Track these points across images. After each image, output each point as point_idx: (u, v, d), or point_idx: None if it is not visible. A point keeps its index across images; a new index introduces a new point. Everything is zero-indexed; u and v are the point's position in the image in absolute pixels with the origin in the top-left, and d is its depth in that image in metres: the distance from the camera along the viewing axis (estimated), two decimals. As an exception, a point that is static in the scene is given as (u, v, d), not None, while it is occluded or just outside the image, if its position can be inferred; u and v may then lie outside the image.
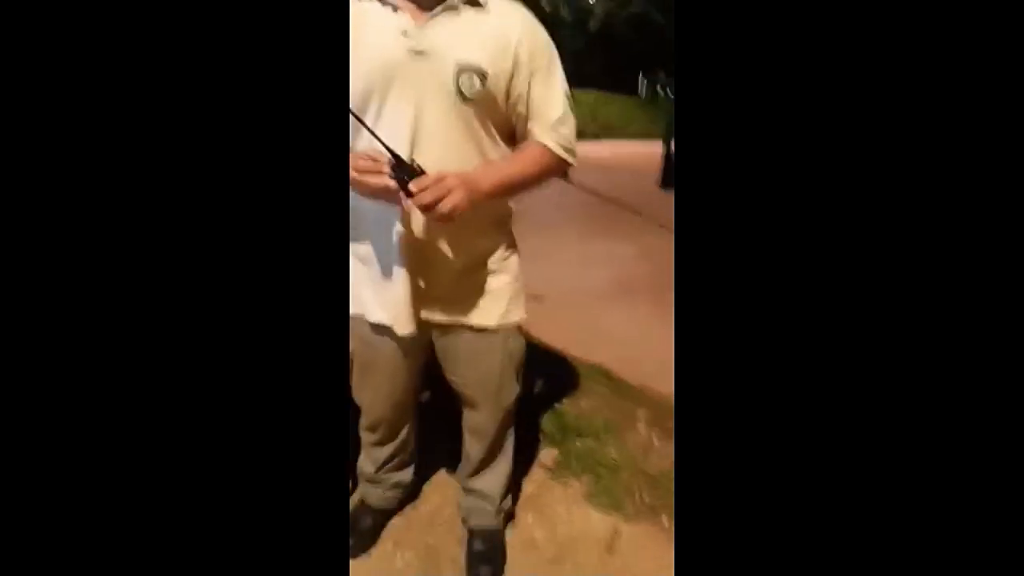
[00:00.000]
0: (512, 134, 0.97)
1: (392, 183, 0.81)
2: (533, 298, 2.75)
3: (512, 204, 1.07)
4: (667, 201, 5.32)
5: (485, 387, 1.12)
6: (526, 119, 0.93)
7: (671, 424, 1.72)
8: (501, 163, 0.93)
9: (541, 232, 4.18)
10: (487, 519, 1.27)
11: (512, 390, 1.15)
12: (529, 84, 0.90)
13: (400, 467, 1.30)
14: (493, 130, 0.93)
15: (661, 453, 1.63)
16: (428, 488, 1.45)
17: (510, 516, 1.36)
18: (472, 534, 1.28)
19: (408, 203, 0.83)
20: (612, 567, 1.28)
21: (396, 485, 1.32)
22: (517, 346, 1.11)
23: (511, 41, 0.87)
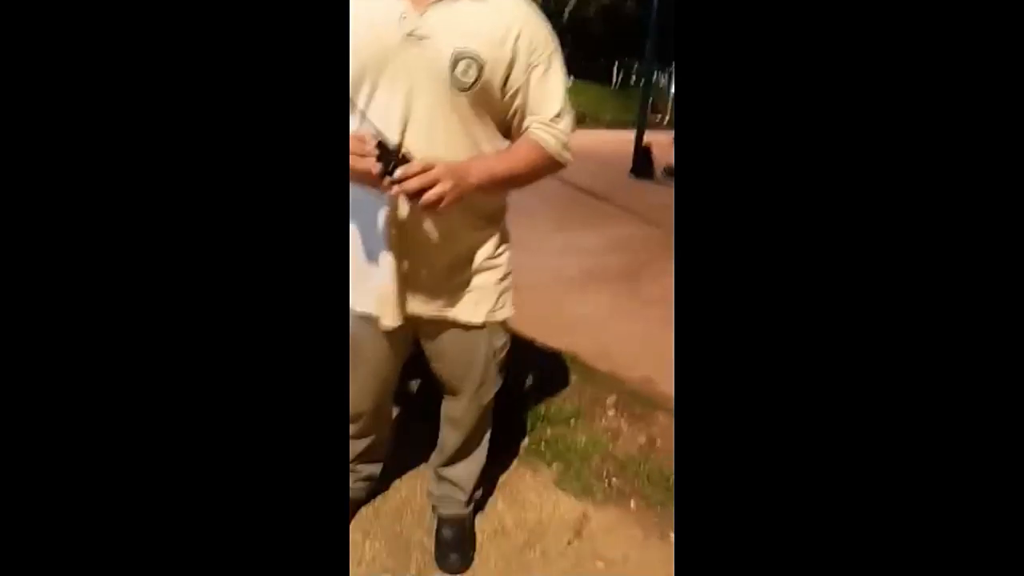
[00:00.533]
0: (509, 128, 0.95)
1: (377, 167, 0.79)
2: (521, 292, 2.75)
3: (505, 201, 1.05)
4: (639, 190, 5.36)
5: (468, 381, 1.12)
6: (523, 112, 0.91)
7: (640, 410, 1.74)
8: (493, 156, 0.91)
9: (512, 220, 4.17)
10: (457, 507, 1.27)
11: (494, 385, 1.14)
12: (528, 77, 0.88)
13: (373, 460, 1.29)
14: (489, 121, 0.91)
15: (629, 438, 1.65)
16: (397, 479, 1.45)
17: (480, 505, 1.36)
18: (441, 521, 1.27)
19: (393, 190, 0.81)
20: (581, 551, 1.29)
21: (367, 478, 1.30)
22: (502, 342, 1.10)
23: (511, 32, 0.85)
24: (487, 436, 1.25)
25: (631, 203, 4.64)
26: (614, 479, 1.49)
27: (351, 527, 1.31)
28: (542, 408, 1.72)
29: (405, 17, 0.83)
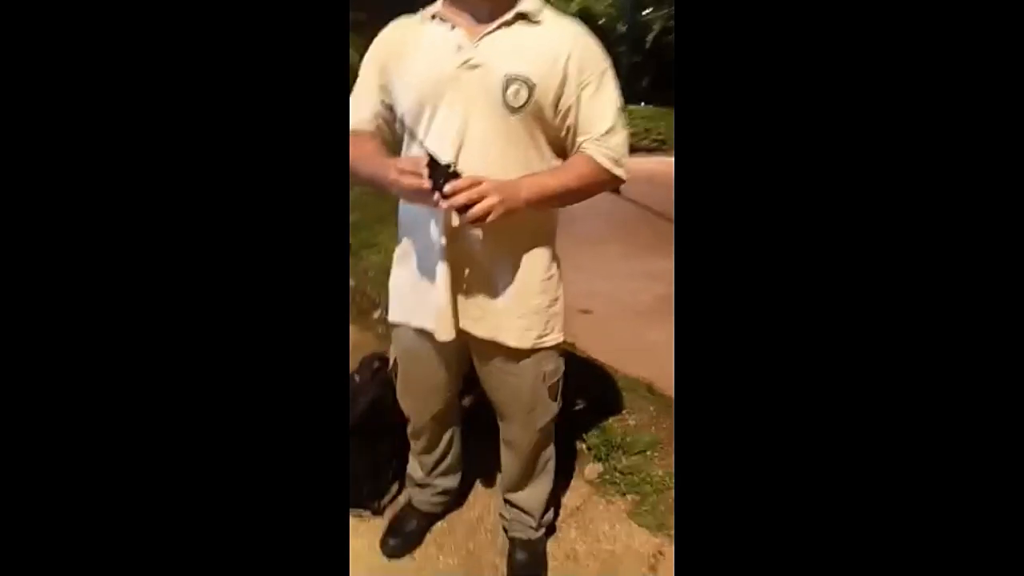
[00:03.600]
0: (564, 148, 0.97)
1: (427, 183, 0.83)
2: (581, 312, 2.75)
3: (556, 219, 1.06)
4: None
5: (516, 405, 1.12)
6: (575, 131, 0.94)
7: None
8: (544, 173, 0.93)
9: (589, 245, 4.16)
10: (527, 531, 1.27)
11: (546, 410, 1.13)
12: (579, 96, 0.91)
13: (447, 473, 1.32)
14: (543, 142, 0.94)
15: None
16: (472, 495, 1.47)
17: (552, 528, 1.35)
18: (514, 544, 1.28)
19: (443, 204, 0.84)
20: (655, 587, 1.26)
21: (443, 491, 1.34)
22: (552, 368, 1.09)
23: (561, 54, 0.88)
24: (551, 462, 1.25)
25: (712, 231, 4.51)
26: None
27: (427, 540, 1.34)
28: (618, 437, 1.69)
29: (461, 48, 0.89)
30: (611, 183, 0.98)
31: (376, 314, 2.23)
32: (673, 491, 1.51)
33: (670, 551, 1.34)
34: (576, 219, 5.05)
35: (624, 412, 1.83)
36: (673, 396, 1.94)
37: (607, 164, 0.94)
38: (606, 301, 2.90)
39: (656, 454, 1.65)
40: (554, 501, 1.32)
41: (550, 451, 1.24)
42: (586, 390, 1.93)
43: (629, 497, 1.50)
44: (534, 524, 1.26)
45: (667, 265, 3.71)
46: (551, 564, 1.29)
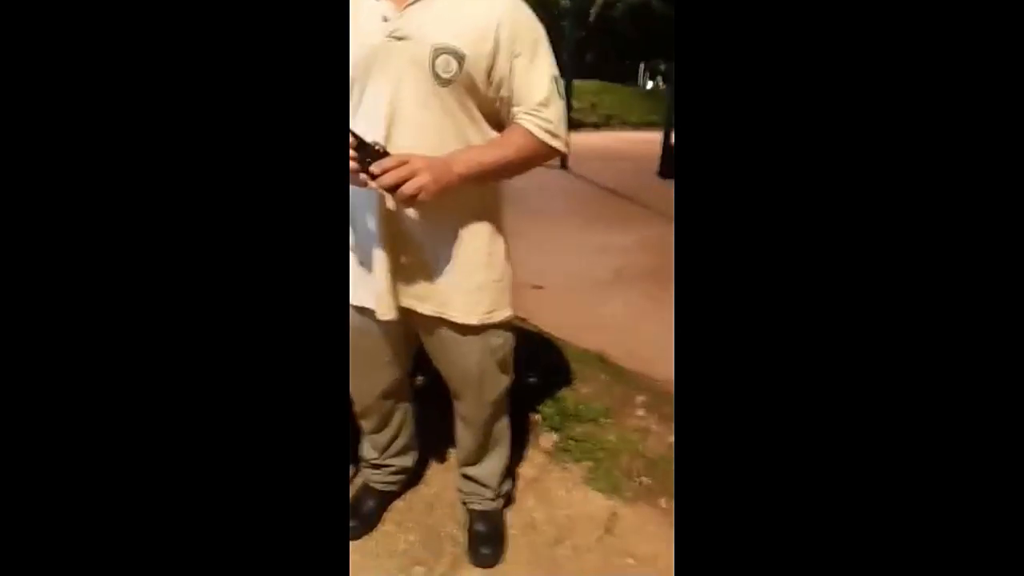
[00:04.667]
0: (500, 120, 0.95)
1: (353, 164, 0.81)
2: (534, 288, 2.77)
3: (502, 193, 1.05)
4: (666, 190, 5.32)
5: (466, 381, 1.12)
6: (509, 102, 0.91)
7: (669, 409, 1.74)
8: (478, 147, 0.91)
9: (541, 221, 4.18)
10: (485, 503, 1.29)
11: (496, 384, 1.13)
12: (512, 66, 0.88)
13: (401, 452, 1.31)
14: (477, 114, 0.91)
15: (659, 437, 1.65)
16: (429, 472, 1.47)
17: (510, 498, 1.37)
18: (472, 515, 1.29)
19: (372, 185, 0.82)
20: (611, 548, 1.30)
21: (399, 471, 1.33)
22: (500, 343, 1.08)
23: (492, 23, 0.85)
24: (506, 434, 1.26)
25: (659, 203, 4.61)
26: (644, 478, 1.49)
27: (385, 518, 1.34)
28: (571, 406, 1.73)
29: (387, 19, 0.86)
30: (549, 155, 0.95)
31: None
32: (625, 456, 1.56)
33: (625, 512, 1.39)
34: (528, 195, 5.07)
35: (576, 382, 1.87)
36: (637, 372, 1.99)
37: (543, 136, 0.92)
38: (559, 276, 2.93)
39: (608, 420, 1.69)
40: (511, 472, 1.34)
41: (504, 423, 1.25)
42: (539, 363, 1.96)
43: (583, 463, 1.53)
44: (491, 495, 1.28)
45: (618, 239, 3.81)
46: (510, 533, 1.31)
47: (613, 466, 1.52)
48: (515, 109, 0.92)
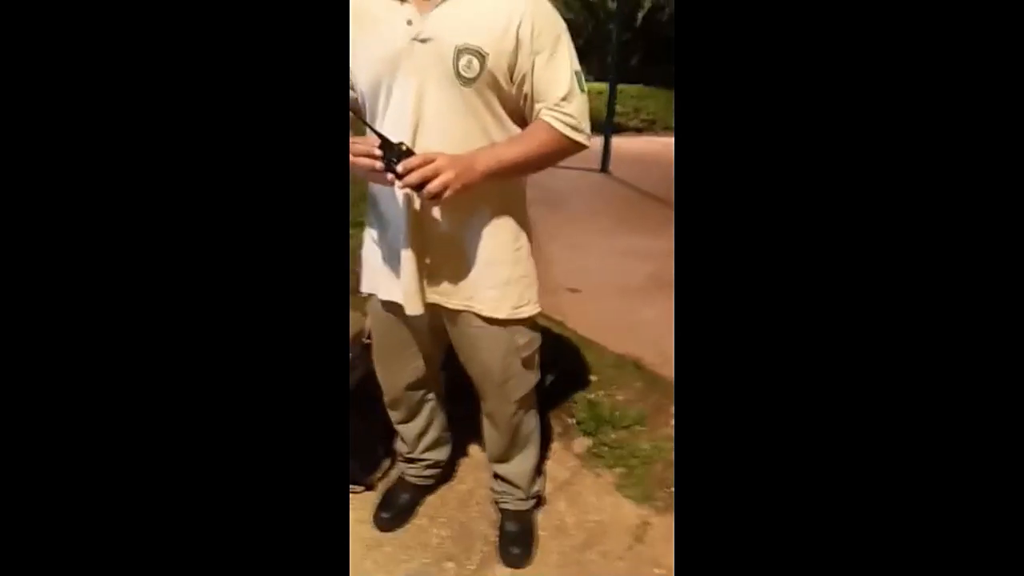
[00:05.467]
0: (524, 116, 0.97)
1: (380, 164, 0.84)
2: (571, 291, 2.76)
3: (527, 189, 1.07)
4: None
5: (490, 378, 1.13)
6: (532, 99, 0.93)
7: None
8: (501, 144, 0.93)
9: (579, 224, 4.17)
10: (517, 503, 1.30)
11: (521, 382, 1.14)
12: (533, 63, 0.89)
13: (434, 446, 1.34)
14: (501, 112, 0.93)
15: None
16: (463, 468, 1.49)
17: (541, 499, 1.38)
18: (504, 515, 1.31)
19: (398, 184, 0.85)
20: (641, 556, 1.29)
21: (433, 464, 1.36)
22: (526, 340, 1.09)
23: (513, 21, 0.87)
24: (534, 433, 1.26)
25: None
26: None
27: (419, 512, 1.36)
28: (605, 412, 1.72)
29: (411, 23, 0.88)
30: (572, 149, 0.96)
31: (362, 291, 2.23)
32: (659, 465, 1.55)
33: (656, 521, 1.38)
34: (567, 198, 5.05)
35: (612, 388, 1.86)
36: (671, 380, 1.97)
37: (565, 130, 0.93)
38: (596, 279, 2.92)
39: (643, 428, 1.68)
40: (541, 472, 1.34)
41: (533, 423, 1.25)
42: (575, 367, 1.96)
43: (616, 470, 1.53)
44: (523, 495, 1.29)
45: (657, 244, 3.74)
46: (540, 535, 1.32)
47: (646, 474, 1.51)
48: (537, 105, 0.93)
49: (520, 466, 1.27)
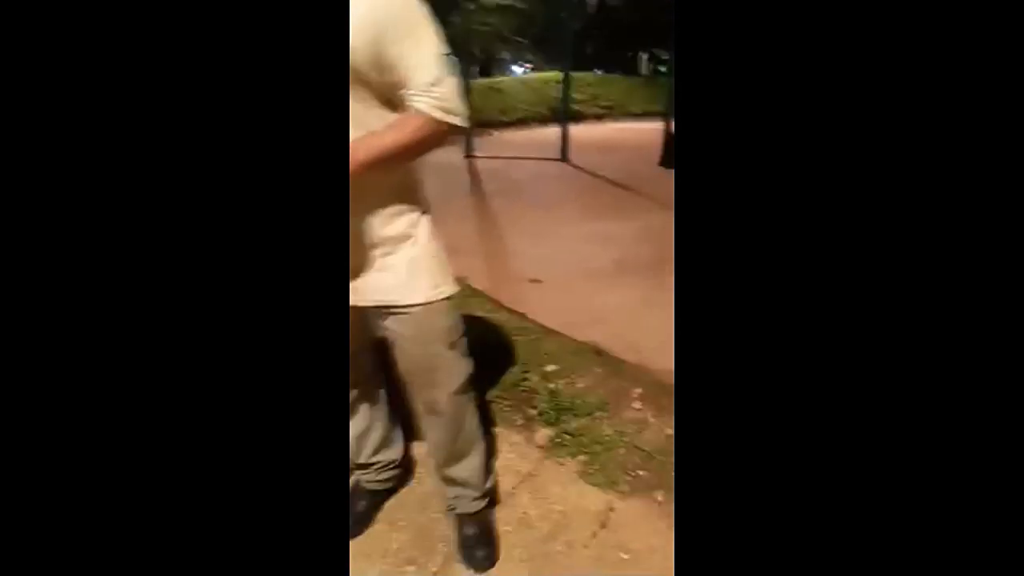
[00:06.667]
0: (396, 107, 0.95)
1: None
2: (532, 281, 2.74)
3: (417, 174, 1.05)
4: (667, 180, 5.27)
5: (418, 368, 1.10)
6: (402, 86, 0.92)
7: (667, 401, 1.72)
8: (377, 133, 0.91)
9: (541, 213, 4.16)
10: (472, 505, 1.25)
11: (454, 370, 1.12)
12: (399, 52, 0.88)
13: (382, 446, 1.29)
14: (374, 103, 0.92)
15: (656, 430, 1.62)
16: (422, 470, 1.46)
17: (495, 496, 1.34)
18: (462, 520, 1.27)
19: None
20: (606, 542, 1.28)
21: (386, 466, 1.32)
22: (450, 324, 1.08)
23: (368, 12, 0.85)
24: (478, 428, 1.22)
25: (660, 193, 4.57)
26: (640, 471, 1.47)
27: (378, 517, 1.32)
28: (567, 400, 1.71)
29: None
30: (448, 131, 0.95)
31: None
32: (621, 450, 1.54)
33: (621, 507, 1.37)
34: (526, 188, 5.04)
35: (572, 376, 1.85)
36: (634, 364, 1.97)
37: (436, 113, 0.92)
38: (557, 268, 2.91)
39: (604, 414, 1.67)
40: (490, 469, 1.31)
41: (475, 417, 1.21)
42: (535, 357, 1.94)
43: (580, 458, 1.51)
44: (477, 494, 1.25)
45: (619, 229, 3.79)
46: (503, 530, 1.29)
47: (609, 460, 1.50)
48: (407, 92, 0.92)
49: (470, 464, 1.23)
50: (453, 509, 1.28)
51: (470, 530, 1.25)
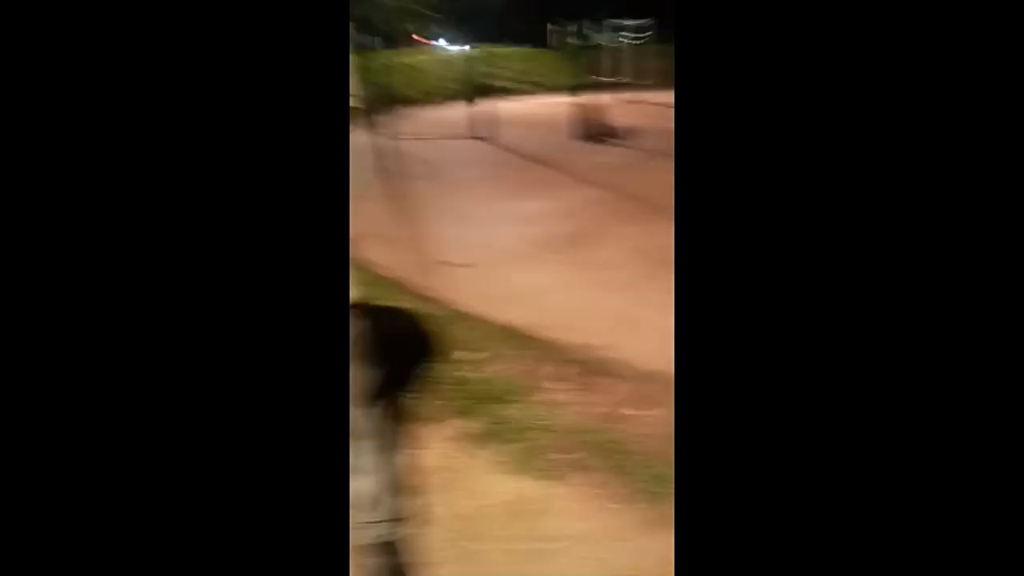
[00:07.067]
0: None
1: None
2: (443, 263, 2.67)
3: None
4: (581, 153, 5.30)
5: None
6: None
7: (581, 379, 1.71)
8: None
9: (461, 194, 4.07)
10: (375, 529, 1.16)
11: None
12: None
13: None
14: None
15: (567, 409, 1.62)
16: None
17: (400, 518, 1.26)
18: (369, 549, 1.16)
19: None
20: (522, 529, 1.26)
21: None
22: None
23: None
24: (388, 441, 1.17)
25: (574, 167, 4.58)
26: (551, 453, 1.46)
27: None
28: (477, 389, 1.67)
29: None
30: None
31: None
32: (532, 432, 1.52)
33: (535, 490, 1.35)
34: (445, 169, 4.93)
35: (484, 362, 1.81)
36: (550, 342, 1.95)
37: None
38: (478, 249, 2.86)
39: (514, 398, 1.65)
40: (399, 488, 1.24)
41: (381, 429, 1.15)
42: (443, 347, 1.89)
43: (491, 447, 1.48)
44: (377, 518, 1.16)
45: (540, 206, 3.73)
46: (416, 532, 1.25)
47: (520, 446, 1.48)
48: None
49: (363, 484, 1.14)
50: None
51: (379, 559, 1.16)
